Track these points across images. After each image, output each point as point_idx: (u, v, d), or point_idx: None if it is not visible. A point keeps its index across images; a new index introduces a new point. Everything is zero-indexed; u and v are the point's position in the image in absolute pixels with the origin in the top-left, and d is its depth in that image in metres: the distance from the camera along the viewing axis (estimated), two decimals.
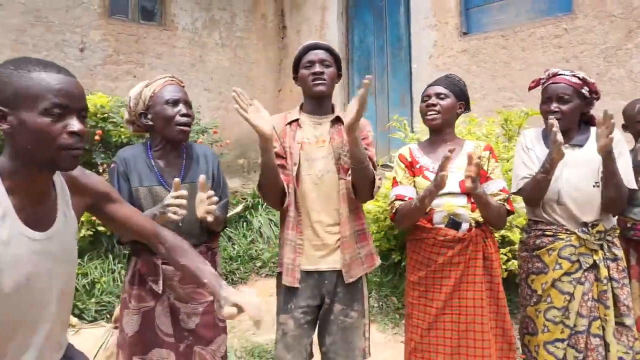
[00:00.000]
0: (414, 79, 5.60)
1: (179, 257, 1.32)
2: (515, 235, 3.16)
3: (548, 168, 1.87)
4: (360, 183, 1.88)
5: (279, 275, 2.01)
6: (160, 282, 1.77)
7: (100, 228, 3.62)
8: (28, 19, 5.13)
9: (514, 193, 2.09)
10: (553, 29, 4.47)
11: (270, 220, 5.08)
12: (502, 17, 4.96)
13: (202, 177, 1.67)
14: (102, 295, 3.55)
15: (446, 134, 2.05)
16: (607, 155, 1.79)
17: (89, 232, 3.57)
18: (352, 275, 1.94)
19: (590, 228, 1.94)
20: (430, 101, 1.99)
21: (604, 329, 1.90)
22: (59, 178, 1.14)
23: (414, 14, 5.61)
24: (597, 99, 2.03)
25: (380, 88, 6.19)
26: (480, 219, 1.94)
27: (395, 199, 2.01)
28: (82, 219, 2.91)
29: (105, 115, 3.61)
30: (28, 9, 5.12)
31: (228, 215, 2.19)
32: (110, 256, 3.85)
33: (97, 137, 3.57)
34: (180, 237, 1.40)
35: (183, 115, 1.78)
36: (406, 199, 1.98)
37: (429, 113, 2.00)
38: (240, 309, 1.17)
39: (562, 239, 1.95)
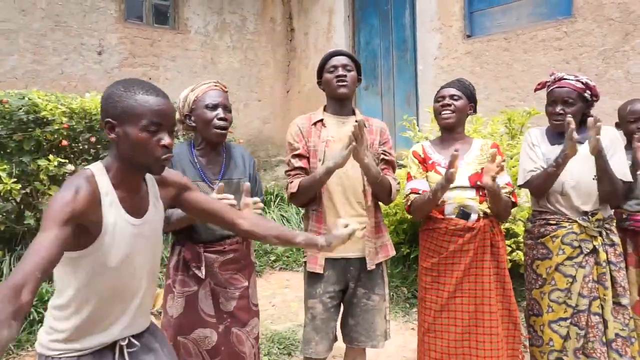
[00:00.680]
0: (420, 80, 5.71)
1: (266, 230, 1.50)
2: (519, 228, 3.29)
3: (560, 163, 1.98)
4: (378, 191, 2.09)
5: (306, 265, 2.16)
6: (203, 268, 1.89)
7: None
8: (48, 24, 5.28)
9: (521, 185, 2.22)
10: (554, 32, 4.57)
11: (282, 216, 5.23)
12: (505, 20, 5.05)
13: (247, 185, 1.77)
14: None
15: (457, 133, 2.18)
16: (599, 154, 1.94)
17: None
18: (372, 262, 2.10)
19: (590, 217, 2.08)
20: (445, 102, 2.13)
21: (602, 308, 2.03)
22: (148, 174, 1.35)
23: (420, 17, 5.71)
24: (597, 100, 2.19)
25: (386, 89, 6.30)
26: (488, 210, 2.07)
27: (411, 192, 2.15)
28: None
29: None
30: (48, 14, 5.27)
31: None
32: None
33: None
34: (256, 214, 1.60)
35: (220, 119, 1.90)
36: (420, 192, 2.12)
37: (444, 112, 2.13)
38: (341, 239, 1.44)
39: (565, 227, 2.08)
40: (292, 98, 7.36)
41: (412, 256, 4.00)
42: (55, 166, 3.43)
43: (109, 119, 1.21)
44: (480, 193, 2.07)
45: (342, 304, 2.18)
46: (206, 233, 1.92)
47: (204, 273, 1.90)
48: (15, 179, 3.27)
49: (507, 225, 3.33)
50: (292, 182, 2.09)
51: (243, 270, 2.03)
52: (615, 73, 4.21)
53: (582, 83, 2.11)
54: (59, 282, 1.24)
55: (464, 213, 2.07)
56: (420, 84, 5.70)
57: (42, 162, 3.40)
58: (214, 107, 1.91)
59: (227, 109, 1.96)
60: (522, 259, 2.72)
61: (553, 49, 4.59)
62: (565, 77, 2.14)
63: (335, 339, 2.18)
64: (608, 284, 2.04)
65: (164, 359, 1.37)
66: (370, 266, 2.09)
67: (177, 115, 2.02)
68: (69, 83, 5.34)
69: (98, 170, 1.24)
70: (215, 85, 1.97)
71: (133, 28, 5.92)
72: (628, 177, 2.09)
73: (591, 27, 4.33)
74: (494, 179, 1.91)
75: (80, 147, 3.74)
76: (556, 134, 2.18)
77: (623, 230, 2.39)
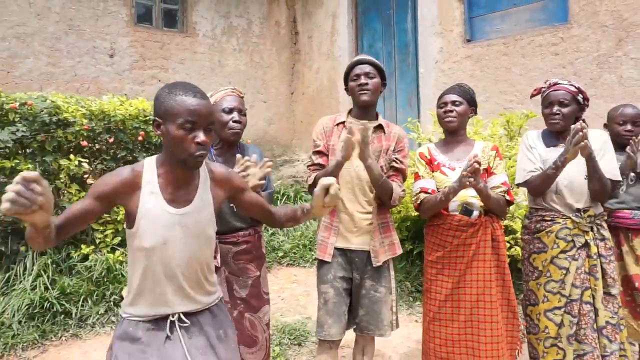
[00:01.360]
0: (421, 83, 5.80)
1: (284, 216, 1.66)
2: (517, 225, 3.43)
3: (559, 165, 2.09)
4: (379, 193, 2.22)
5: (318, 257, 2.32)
6: (219, 257, 2.03)
7: None
8: (62, 28, 5.40)
9: (519, 184, 2.36)
10: (550, 38, 4.68)
11: None
12: (504, 26, 5.17)
13: (254, 156, 1.95)
14: None
15: (460, 135, 2.32)
16: (588, 156, 2.09)
17: None
18: (379, 260, 2.25)
19: (582, 213, 2.20)
20: (447, 108, 2.27)
21: (594, 298, 2.14)
22: (204, 171, 1.47)
23: (421, 22, 5.80)
24: (587, 105, 2.34)
25: (388, 92, 6.38)
26: None
27: (420, 191, 2.29)
28: None
29: (147, 118, 3.93)
30: (62, 18, 5.40)
31: None
32: None
33: (140, 138, 3.90)
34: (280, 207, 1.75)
35: (235, 121, 2.08)
36: (429, 190, 2.26)
37: (447, 117, 2.27)
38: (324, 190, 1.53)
39: (559, 223, 2.20)
40: (296, 100, 7.43)
41: (415, 252, 4.14)
42: (75, 165, 3.59)
43: (156, 118, 1.35)
44: None
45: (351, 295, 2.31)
46: (221, 225, 2.03)
47: (219, 262, 2.04)
48: None
49: (505, 222, 3.45)
50: (310, 175, 2.27)
51: (255, 260, 2.16)
52: (609, 77, 4.31)
53: (575, 87, 2.27)
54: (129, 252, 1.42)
55: (466, 210, 2.21)
56: (421, 86, 5.79)
57: (63, 162, 3.56)
58: (230, 110, 2.08)
59: (242, 112, 2.12)
60: (520, 254, 2.84)
61: (550, 54, 4.70)
62: (559, 82, 2.30)
63: (347, 326, 2.31)
64: (599, 275, 2.16)
65: (206, 348, 1.41)
66: (376, 263, 2.23)
67: None
68: (82, 85, 5.47)
69: (149, 161, 1.40)
70: (232, 92, 2.14)
71: (143, 32, 6.03)
72: (618, 177, 2.22)
73: (586, 33, 4.44)
74: (473, 177, 2.02)
75: (98, 147, 3.89)
76: (552, 137, 2.32)
77: (609, 227, 2.48)
